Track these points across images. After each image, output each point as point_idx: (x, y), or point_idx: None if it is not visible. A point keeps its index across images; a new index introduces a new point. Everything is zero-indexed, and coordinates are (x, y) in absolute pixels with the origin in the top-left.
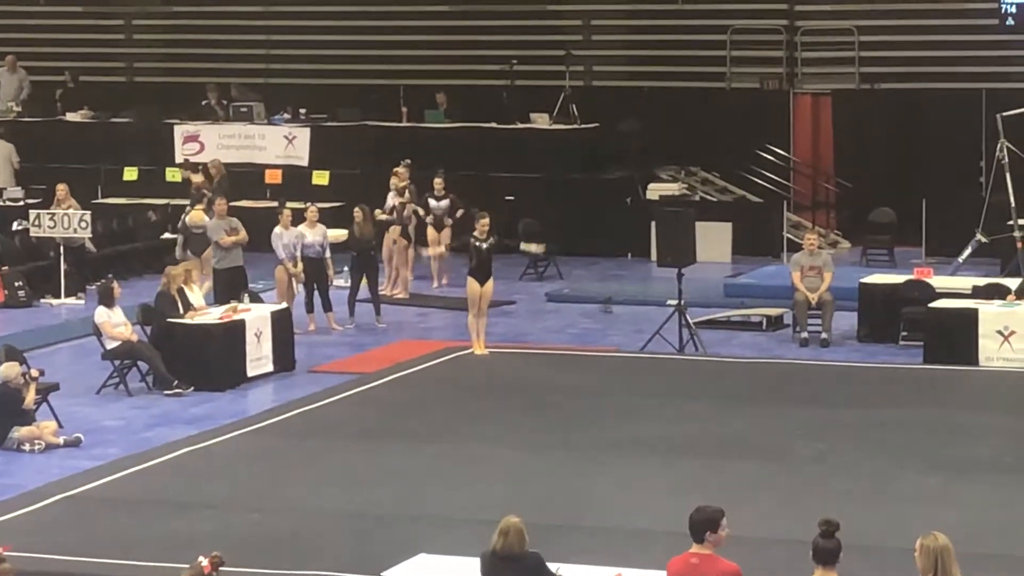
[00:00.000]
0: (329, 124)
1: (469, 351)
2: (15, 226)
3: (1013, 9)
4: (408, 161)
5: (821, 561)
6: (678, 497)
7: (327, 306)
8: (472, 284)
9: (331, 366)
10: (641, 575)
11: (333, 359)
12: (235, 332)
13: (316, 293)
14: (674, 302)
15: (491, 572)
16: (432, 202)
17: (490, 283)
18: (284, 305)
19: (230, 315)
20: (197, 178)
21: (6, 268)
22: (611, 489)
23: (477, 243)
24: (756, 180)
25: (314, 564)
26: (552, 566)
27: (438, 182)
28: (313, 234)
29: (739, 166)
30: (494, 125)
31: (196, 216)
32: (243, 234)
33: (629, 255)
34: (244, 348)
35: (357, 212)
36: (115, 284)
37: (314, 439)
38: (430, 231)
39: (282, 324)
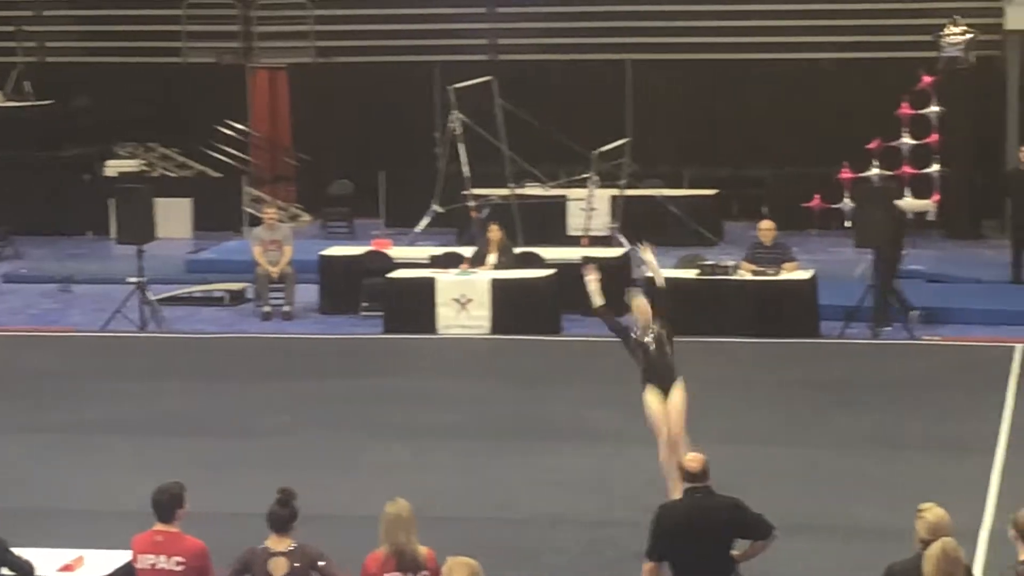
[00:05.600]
0: None
1: None
2: None
3: None
4: None
5: (274, 528)
6: (141, 476)
7: None
8: None
9: None
10: (106, 555)
11: None
12: None
13: None
14: (135, 279)
15: None
16: None
17: None
18: None
19: None
20: None
21: None
22: (74, 471)
23: None
24: (215, 155)
25: None
26: (17, 551)
27: None
28: None
29: (198, 141)
30: None
31: None
32: None
33: (89, 233)
34: None
35: None
36: None
37: None
38: None
39: None
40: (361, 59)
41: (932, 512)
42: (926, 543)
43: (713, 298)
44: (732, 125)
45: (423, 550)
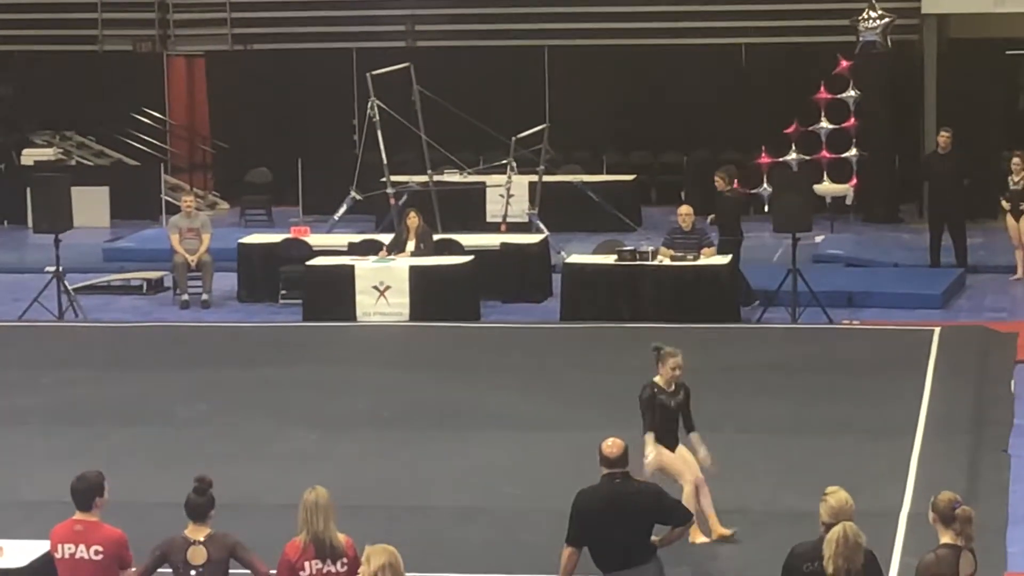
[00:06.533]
0: None
1: None
2: None
3: None
4: None
5: (192, 516)
6: (60, 465)
7: None
8: None
9: None
10: (24, 545)
11: None
12: None
13: None
14: (52, 269)
15: None
16: None
17: None
18: None
19: None
20: None
21: None
22: None
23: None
24: (133, 143)
25: None
26: None
27: None
28: None
29: (115, 130)
30: None
31: None
32: None
33: (5, 223)
34: None
35: None
36: None
37: None
38: None
39: None
40: (278, 46)
41: (835, 496)
42: (828, 526)
43: (632, 284)
44: (650, 111)
45: (342, 538)
